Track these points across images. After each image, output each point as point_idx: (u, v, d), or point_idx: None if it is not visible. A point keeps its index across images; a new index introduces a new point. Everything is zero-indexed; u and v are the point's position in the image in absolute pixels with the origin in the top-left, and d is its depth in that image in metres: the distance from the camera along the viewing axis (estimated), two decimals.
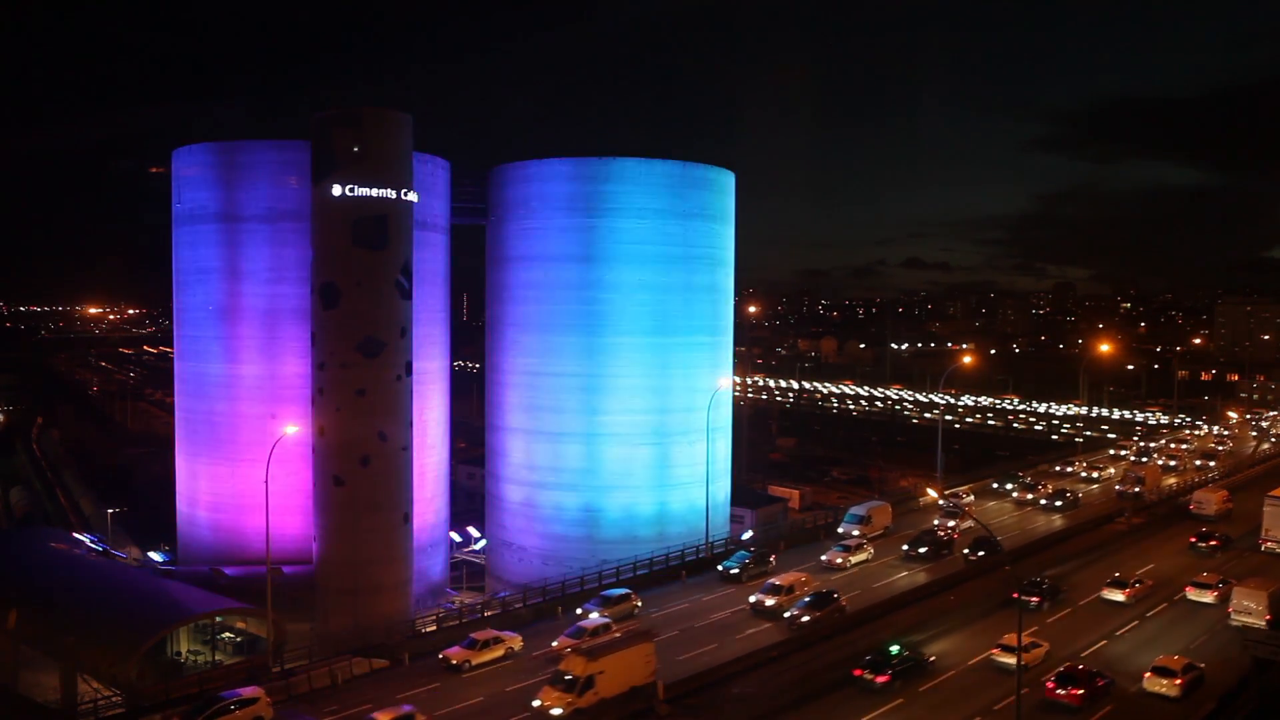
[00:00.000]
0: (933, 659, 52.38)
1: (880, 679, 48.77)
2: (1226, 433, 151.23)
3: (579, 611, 61.31)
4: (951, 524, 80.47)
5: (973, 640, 56.03)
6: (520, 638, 56.26)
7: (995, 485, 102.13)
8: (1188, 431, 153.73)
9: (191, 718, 44.01)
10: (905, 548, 75.34)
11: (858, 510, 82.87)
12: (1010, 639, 49.93)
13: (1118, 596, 63.26)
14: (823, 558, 73.42)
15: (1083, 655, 53.91)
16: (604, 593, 63.68)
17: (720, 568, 71.19)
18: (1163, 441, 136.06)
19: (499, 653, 54.34)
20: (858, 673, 49.33)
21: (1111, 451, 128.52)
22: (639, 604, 62.80)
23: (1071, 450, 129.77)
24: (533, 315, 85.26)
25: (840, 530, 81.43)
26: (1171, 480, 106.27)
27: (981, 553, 71.75)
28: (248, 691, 45.74)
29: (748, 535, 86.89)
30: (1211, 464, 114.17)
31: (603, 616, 58.33)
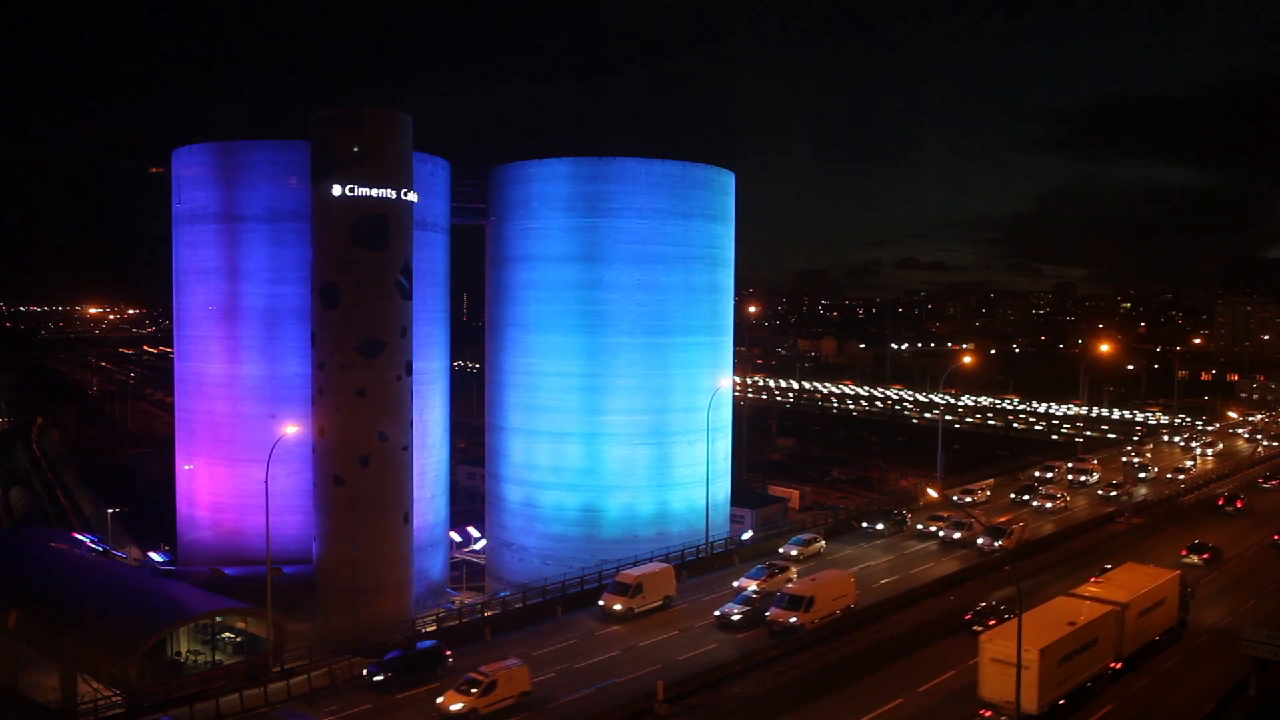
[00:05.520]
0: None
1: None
2: (1137, 460, 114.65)
3: None
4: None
5: None
6: None
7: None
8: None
9: None
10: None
11: (628, 574, 63.13)
12: None
13: None
14: None
15: None
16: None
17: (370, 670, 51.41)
18: (1068, 471, 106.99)
19: None
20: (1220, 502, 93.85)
21: (1036, 473, 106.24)
22: None
23: (1072, 450, 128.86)
24: (533, 315, 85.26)
25: (601, 603, 61.70)
26: (933, 568, 71.47)
27: None
28: None
29: (748, 534, 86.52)
30: (995, 548, 73.69)
31: None
